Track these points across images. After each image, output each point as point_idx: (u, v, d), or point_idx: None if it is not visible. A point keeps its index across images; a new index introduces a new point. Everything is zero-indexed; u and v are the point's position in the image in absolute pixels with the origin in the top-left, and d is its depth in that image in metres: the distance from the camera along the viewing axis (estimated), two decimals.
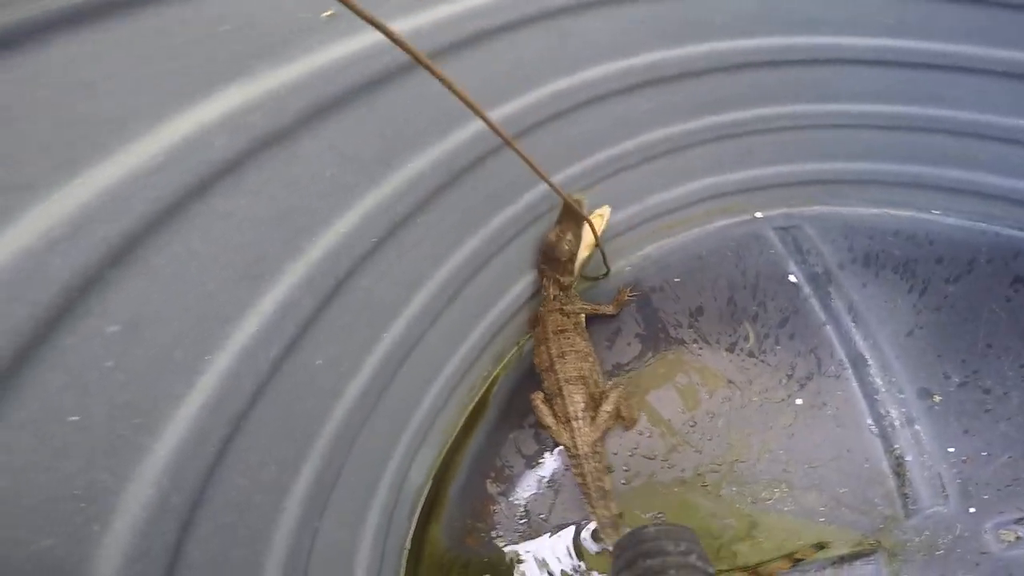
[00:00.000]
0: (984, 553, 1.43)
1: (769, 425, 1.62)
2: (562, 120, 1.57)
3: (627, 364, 1.77)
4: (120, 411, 0.80)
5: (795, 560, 1.47)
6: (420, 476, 1.70)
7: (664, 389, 1.71)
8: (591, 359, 1.73)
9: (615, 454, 1.65)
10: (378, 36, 0.83)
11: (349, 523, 1.42)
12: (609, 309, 1.85)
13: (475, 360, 1.78)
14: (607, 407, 1.62)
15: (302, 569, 1.22)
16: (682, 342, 1.76)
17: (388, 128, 1.19)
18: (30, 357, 0.69)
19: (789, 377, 1.67)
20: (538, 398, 1.72)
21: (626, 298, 1.86)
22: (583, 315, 1.81)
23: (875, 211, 1.93)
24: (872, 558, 1.46)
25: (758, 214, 1.98)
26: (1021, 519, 1.45)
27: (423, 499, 1.71)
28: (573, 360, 1.69)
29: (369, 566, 1.46)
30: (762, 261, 1.86)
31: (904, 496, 1.51)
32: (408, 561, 1.64)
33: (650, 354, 1.77)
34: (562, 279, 1.77)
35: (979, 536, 1.45)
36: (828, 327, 1.70)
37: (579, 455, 1.56)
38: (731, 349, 1.73)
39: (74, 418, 0.74)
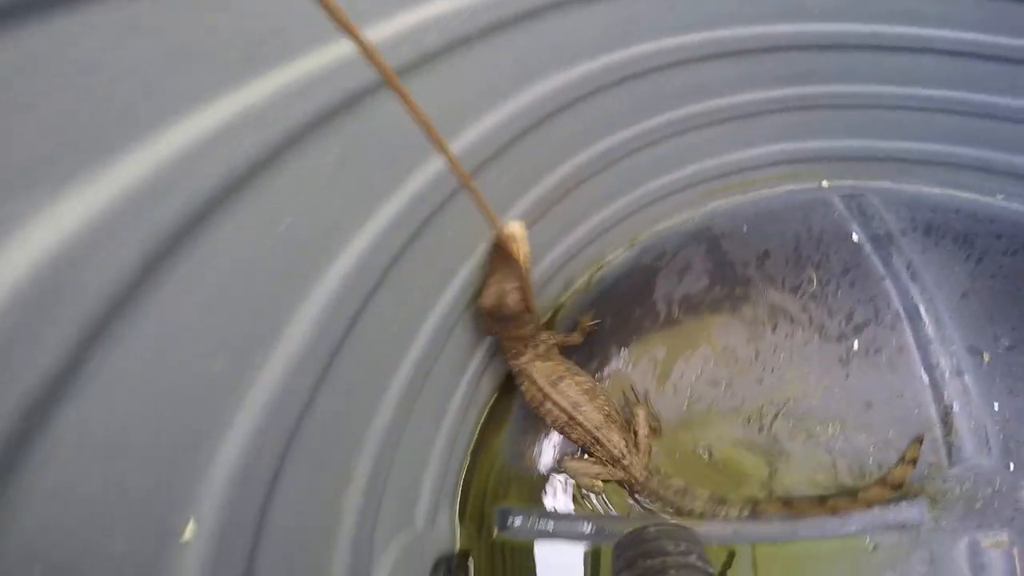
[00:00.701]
0: (1019, 509, 1.48)
1: (826, 365, 1.68)
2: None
3: (694, 295, 1.83)
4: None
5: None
6: (487, 392, 1.83)
7: (731, 321, 1.78)
8: (598, 388, 1.64)
9: (681, 375, 1.72)
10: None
11: (424, 433, 1.51)
12: (575, 338, 1.73)
13: (544, 285, 1.86)
14: (642, 431, 1.61)
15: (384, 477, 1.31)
16: (749, 280, 1.83)
17: None
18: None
19: (847, 321, 1.72)
20: (570, 460, 1.65)
21: (587, 325, 1.76)
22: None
23: (939, 191, 1.95)
24: (916, 501, 1.52)
25: (825, 183, 2.01)
26: None
27: (487, 409, 1.83)
28: (589, 403, 1.59)
29: (428, 507, 1.56)
30: (827, 221, 1.90)
31: (949, 445, 1.56)
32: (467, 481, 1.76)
33: (718, 288, 1.84)
34: (525, 331, 1.60)
35: (1016, 492, 1.50)
36: (887, 281, 1.75)
37: (641, 482, 1.57)
38: (795, 291, 1.79)
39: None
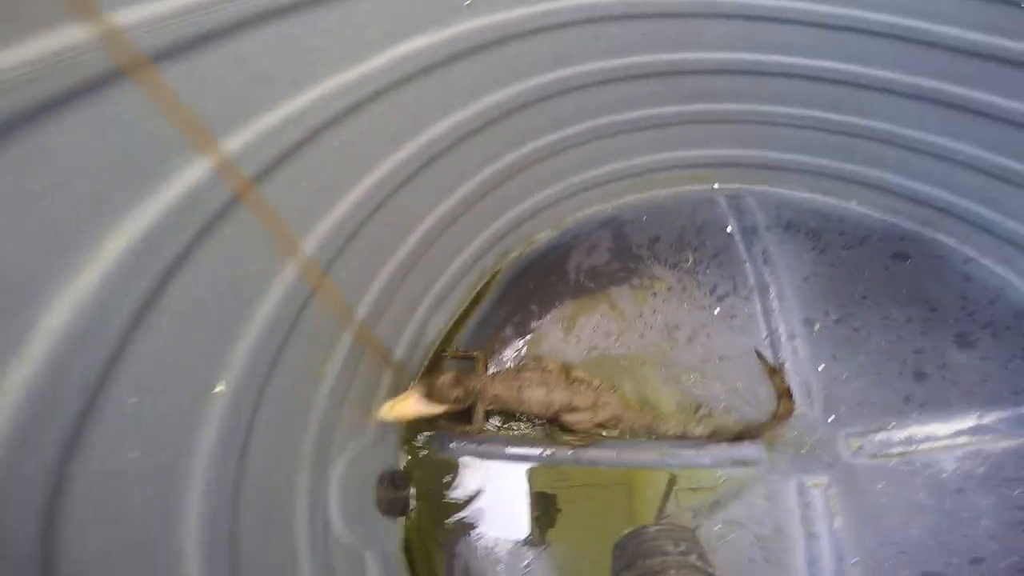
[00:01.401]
0: (836, 456, 1.75)
1: (693, 324, 1.98)
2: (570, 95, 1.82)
3: (598, 267, 2.12)
4: None
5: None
6: (432, 336, 2.02)
7: (623, 287, 2.07)
8: (544, 374, 1.80)
9: (583, 328, 2.00)
10: None
11: (366, 392, 1.69)
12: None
13: (483, 255, 2.06)
14: (595, 380, 1.81)
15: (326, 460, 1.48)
16: (640, 258, 2.13)
17: None
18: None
19: (712, 292, 2.03)
20: (561, 432, 1.83)
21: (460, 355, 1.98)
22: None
23: (806, 195, 2.23)
24: (755, 442, 1.78)
25: (716, 185, 2.29)
26: (864, 432, 1.77)
27: (432, 352, 2.03)
28: (550, 392, 1.75)
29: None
30: (710, 215, 2.20)
31: None
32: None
33: (615, 262, 2.13)
34: (473, 382, 1.76)
35: (834, 442, 1.77)
36: (747, 264, 2.06)
37: (619, 415, 1.79)
38: (674, 267, 2.10)
39: None
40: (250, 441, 1.17)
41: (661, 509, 1.74)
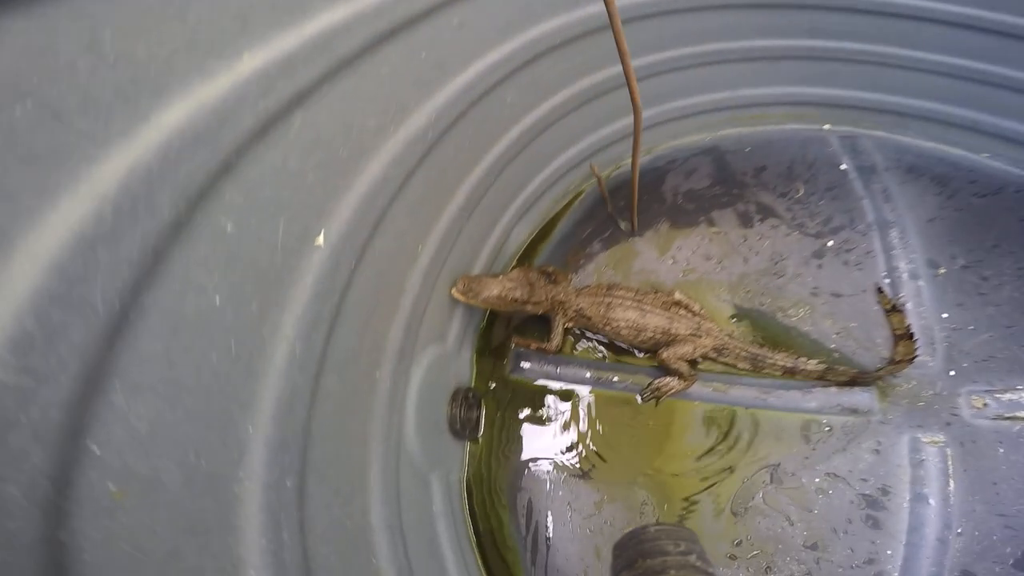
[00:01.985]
0: (955, 414, 1.56)
1: (803, 254, 1.81)
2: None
3: (697, 190, 1.96)
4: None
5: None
6: (513, 246, 1.92)
7: (726, 211, 1.91)
8: (640, 292, 1.66)
9: (679, 248, 1.83)
10: None
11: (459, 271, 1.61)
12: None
13: (567, 172, 1.96)
14: (695, 305, 1.68)
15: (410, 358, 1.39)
16: (745, 184, 1.97)
17: None
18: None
19: (826, 223, 1.85)
20: (664, 352, 1.62)
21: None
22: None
23: (931, 144, 2.01)
24: (867, 390, 1.61)
25: (826, 126, 2.09)
26: (989, 390, 1.58)
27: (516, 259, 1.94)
28: (644, 314, 1.61)
29: (459, 329, 1.66)
30: (821, 152, 2.03)
31: None
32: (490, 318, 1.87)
33: (718, 187, 1.97)
34: (555, 289, 1.66)
35: (954, 398, 1.58)
36: (865, 201, 1.88)
37: (727, 342, 1.62)
38: (784, 195, 1.93)
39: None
40: (342, 310, 1.07)
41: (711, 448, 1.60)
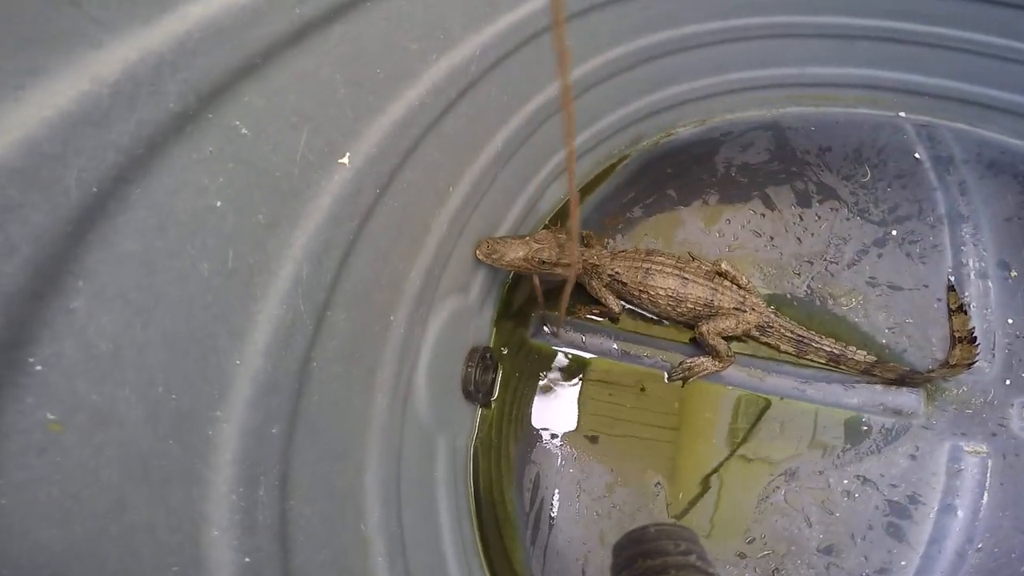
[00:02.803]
0: (1003, 426, 1.44)
1: (863, 242, 1.66)
2: None
3: (753, 164, 1.81)
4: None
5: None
6: (548, 204, 1.80)
7: (781, 189, 1.76)
8: (681, 260, 1.54)
9: (728, 222, 1.71)
10: None
11: (479, 239, 1.49)
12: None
13: (611, 136, 1.82)
14: (742, 278, 1.56)
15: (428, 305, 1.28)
16: (806, 163, 1.82)
17: None
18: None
19: (891, 211, 1.70)
20: (704, 325, 1.49)
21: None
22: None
23: (1016, 141, 1.82)
24: (915, 391, 1.48)
25: (902, 114, 1.91)
26: None
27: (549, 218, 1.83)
28: (686, 283, 1.49)
29: (483, 283, 1.55)
30: (893, 139, 1.87)
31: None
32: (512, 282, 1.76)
33: (776, 163, 1.82)
34: (588, 252, 1.55)
35: (1006, 408, 1.46)
36: (938, 192, 1.72)
37: (769, 319, 1.50)
38: (848, 178, 1.77)
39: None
40: (360, 237, 0.96)
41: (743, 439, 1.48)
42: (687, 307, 1.49)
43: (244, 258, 0.73)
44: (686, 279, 1.48)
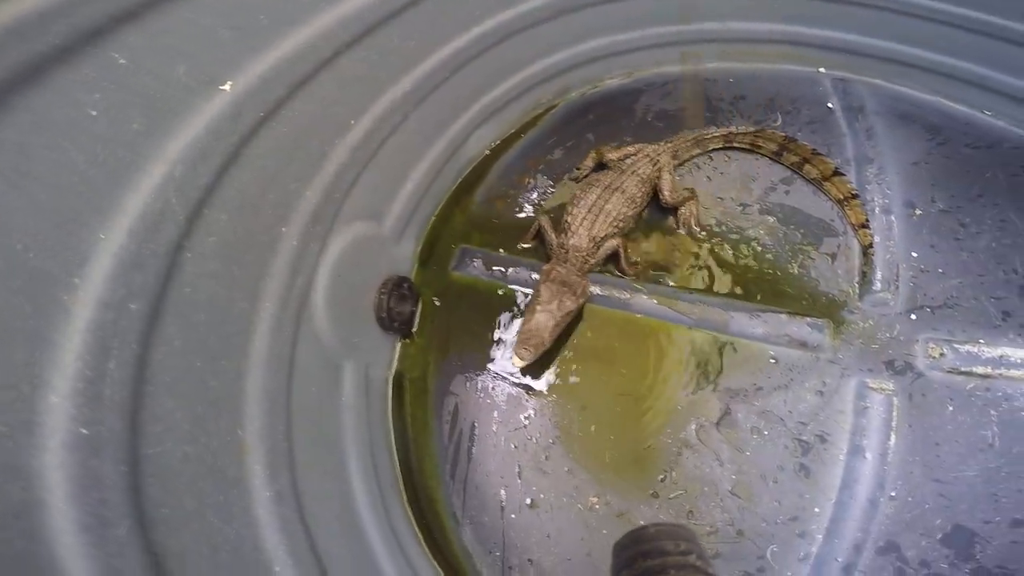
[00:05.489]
0: (909, 362, 1.41)
1: (771, 179, 1.66)
2: None
3: (669, 110, 1.82)
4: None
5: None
6: (475, 149, 1.77)
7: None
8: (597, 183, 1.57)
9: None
10: None
11: (393, 173, 1.48)
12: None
13: (538, 84, 1.81)
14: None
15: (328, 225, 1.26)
16: (719, 110, 1.82)
17: None
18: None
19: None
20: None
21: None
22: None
23: (930, 97, 1.82)
24: (820, 323, 1.46)
25: (822, 69, 1.90)
26: (948, 340, 1.42)
27: (471, 167, 1.79)
28: (614, 183, 1.53)
29: (399, 216, 1.52)
30: (809, 90, 1.87)
31: (863, 274, 1.51)
32: (440, 213, 1.72)
33: (692, 111, 1.82)
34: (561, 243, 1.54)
35: (911, 344, 1.43)
36: (847, 137, 1.72)
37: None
38: (759, 123, 1.76)
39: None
40: (243, 153, 0.97)
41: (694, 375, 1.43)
42: (638, 207, 1.55)
43: (115, 154, 0.76)
44: (616, 187, 1.51)
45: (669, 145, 1.61)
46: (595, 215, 1.48)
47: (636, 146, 1.64)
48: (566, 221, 1.51)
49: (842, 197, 1.56)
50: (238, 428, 0.97)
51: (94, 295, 0.72)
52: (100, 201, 0.74)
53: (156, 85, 0.80)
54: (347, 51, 1.14)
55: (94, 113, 0.73)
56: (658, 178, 1.58)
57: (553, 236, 1.53)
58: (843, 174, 1.56)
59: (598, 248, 1.50)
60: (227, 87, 0.91)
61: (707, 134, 1.64)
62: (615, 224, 1.50)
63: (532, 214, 1.67)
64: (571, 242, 1.48)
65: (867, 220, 1.52)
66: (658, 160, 1.58)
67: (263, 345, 1.04)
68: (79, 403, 0.69)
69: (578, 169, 1.70)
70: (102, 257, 0.73)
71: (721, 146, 1.68)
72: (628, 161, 1.58)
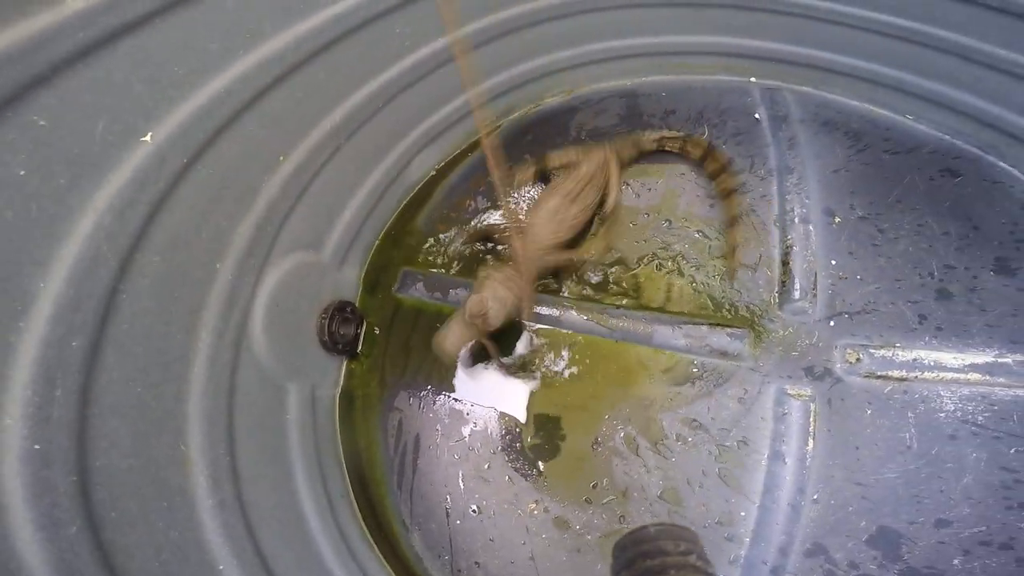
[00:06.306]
0: (827, 368, 1.45)
1: (697, 194, 1.70)
2: None
3: (602, 128, 1.86)
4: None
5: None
6: (418, 173, 1.81)
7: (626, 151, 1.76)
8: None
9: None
10: None
11: (329, 203, 1.52)
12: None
13: (483, 104, 1.84)
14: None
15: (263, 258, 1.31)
16: (650, 125, 1.85)
17: None
18: None
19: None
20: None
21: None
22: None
23: (855, 103, 1.85)
24: (741, 332, 1.50)
25: (753, 79, 1.94)
26: (866, 345, 1.46)
27: (415, 191, 1.84)
28: (564, 190, 1.55)
29: (339, 243, 1.57)
30: (739, 102, 1.89)
31: (782, 284, 1.55)
32: (384, 237, 1.78)
33: (622, 126, 1.86)
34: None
35: (829, 350, 1.47)
36: (770, 148, 1.75)
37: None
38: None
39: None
40: (171, 197, 1.03)
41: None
42: (590, 203, 1.58)
43: (46, 209, 0.84)
44: (577, 195, 1.55)
45: (613, 149, 1.64)
46: (557, 222, 1.50)
47: (579, 152, 1.64)
48: (526, 225, 1.51)
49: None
50: (180, 444, 1.07)
51: (37, 335, 0.82)
52: (36, 253, 0.83)
53: (78, 142, 0.87)
54: (269, 92, 1.18)
55: (22, 172, 0.80)
56: (606, 184, 1.61)
57: (508, 238, 1.55)
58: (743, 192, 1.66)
59: (556, 251, 1.53)
60: (148, 138, 0.96)
61: (643, 136, 1.69)
62: (573, 230, 1.54)
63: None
64: (530, 245, 1.48)
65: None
66: (607, 166, 1.61)
67: (202, 372, 1.12)
68: (30, 424, 0.80)
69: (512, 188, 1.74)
70: (42, 303, 0.83)
71: (654, 148, 1.72)
72: (583, 169, 1.57)
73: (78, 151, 0.87)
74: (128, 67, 0.91)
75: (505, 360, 1.55)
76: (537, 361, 1.55)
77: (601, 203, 1.62)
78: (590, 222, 1.63)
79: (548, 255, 1.51)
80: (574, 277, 1.61)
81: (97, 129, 0.89)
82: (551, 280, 1.62)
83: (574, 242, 1.59)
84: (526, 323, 1.57)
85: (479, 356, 1.57)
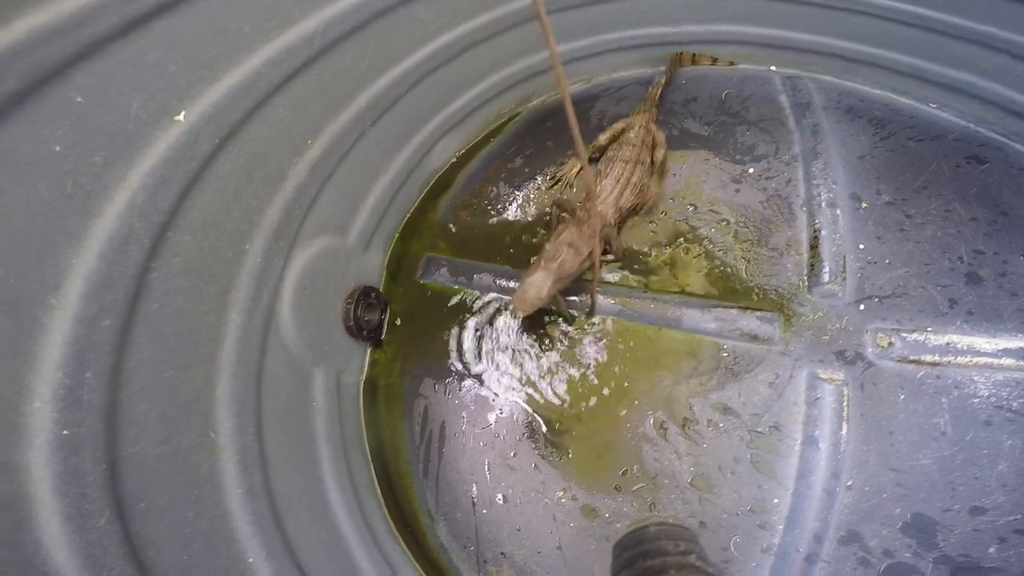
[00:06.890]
0: (859, 352, 1.42)
1: (721, 179, 1.67)
2: None
3: (625, 115, 1.81)
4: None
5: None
6: (439, 160, 1.80)
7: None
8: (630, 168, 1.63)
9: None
10: None
11: (354, 187, 1.51)
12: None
13: (500, 94, 1.84)
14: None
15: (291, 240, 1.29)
16: (672, 111, 1.83)
17: None
18: None
19: (749, 150, 1.71)
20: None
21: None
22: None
23: (877, 92, 1.84)
24: (771, 316, 1.47)
25: (773, 67, 1.93)
26: (897, 329, 1.43)
27: (436, 178, 1.82)
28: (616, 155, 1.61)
29: (364, 228, 1.56)
30: (760, 89, 1.87)
31: (811, 267, 1.52)
32: (407, 223, 1.76)
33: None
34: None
35: (860, 334, 1.44)
36: (795, 134, 1.73)
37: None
38: (710, 123, 1.78)
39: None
40: (202, 177, 1.02)
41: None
42: (643, 174, 1.61)
43: (82, 185, 0.82)
44: (637, 160, 1.60)
45: (646, 111, 1.70)
46: (623, 186, 1.54)
47: (622, 121, 1.70)
48: (596, 193, 1.54)
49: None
50: (210, 430, 1.04)
51: (69, 313, 0.79)
52: (70, 228, 0.81)
53: (113, 120, 0.85)
54: (298, 75, 1.17)
55: (58, 148, 0.79)
56: (653, 143, 1.66)
57: (575, 204, 1.55)
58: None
59: (620, 217, 1.56)
60: (181, 117, 0.95)
61: (650, 90, 1.77)
62: (635, 193, 1.57)
63: (494, 222, 1.71)
64: (599, 208, 1.51)
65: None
66: (649, 127, 1.66)
67: (231, 354, 1.10)
68: (60, 408, 0.77)
69: (554, 177, 1.74)
70: (75, 279, 0.80)
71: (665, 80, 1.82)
72: (632, 135, 1.63)
73: (113, 129, 0.86)
74: (163, 47, 0.90)
75: (572, 312, 1.55)
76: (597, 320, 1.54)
77: (651, 161, 1.66)
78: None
79: (618, 217, 1.56)
80: (622, 248, 1.61)
81: (132, 108, 0.88)
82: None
83: (635, 209, 1.63)
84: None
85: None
